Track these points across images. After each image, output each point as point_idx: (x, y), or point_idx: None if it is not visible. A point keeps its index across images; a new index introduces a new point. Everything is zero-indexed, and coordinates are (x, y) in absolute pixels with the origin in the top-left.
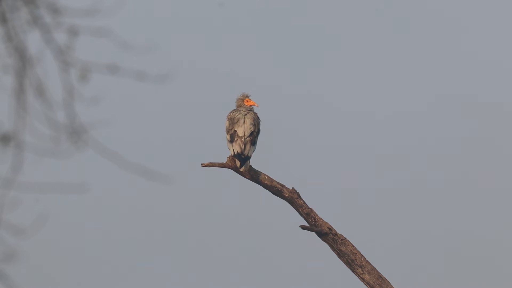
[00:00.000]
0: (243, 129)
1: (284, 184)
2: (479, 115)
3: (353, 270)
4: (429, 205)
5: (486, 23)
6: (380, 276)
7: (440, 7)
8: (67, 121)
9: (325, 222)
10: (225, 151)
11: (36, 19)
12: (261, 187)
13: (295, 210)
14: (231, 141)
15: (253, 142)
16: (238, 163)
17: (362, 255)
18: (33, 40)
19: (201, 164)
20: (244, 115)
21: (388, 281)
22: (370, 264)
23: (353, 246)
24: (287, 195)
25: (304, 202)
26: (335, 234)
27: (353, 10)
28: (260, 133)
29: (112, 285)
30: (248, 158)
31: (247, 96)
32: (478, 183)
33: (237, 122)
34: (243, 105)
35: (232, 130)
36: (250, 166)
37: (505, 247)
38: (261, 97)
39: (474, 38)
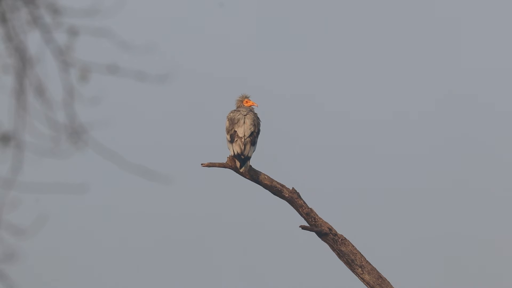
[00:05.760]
0: (243, 130)
1: (284, 184)
2: (477, 117)
3: (353, 270)
4: (429, 206)
5: (483, 25)
6: (380, 276)
7: (437, 8)
8: (67, 121)
9: (325, 222)
10: (225, 151)
11: (36, 19)
12: (261, 187)
13: (295, 210)
14: (231, 141)
15: (253, 143)
16: (238, 164)
17: (362, 255)
18: (33, 40)
19: (201, 164)
20: (244, 115)
21: (388, 281)
22: (370, 264)
23: (353, 246)
24: (287, 195)
25: (304, 202)
26: (335, 234)
27: (352, 10)
28: (260, 133)
29: (112, 285)
30: (248, 158)
31: (247, 97)
32: (477, 185)
33: (237, 122)
34: (243, 105)
35: (232, 131)
36: (250, 166)
37: (505, 250)
38: (261, 98)
39: (471, 40)
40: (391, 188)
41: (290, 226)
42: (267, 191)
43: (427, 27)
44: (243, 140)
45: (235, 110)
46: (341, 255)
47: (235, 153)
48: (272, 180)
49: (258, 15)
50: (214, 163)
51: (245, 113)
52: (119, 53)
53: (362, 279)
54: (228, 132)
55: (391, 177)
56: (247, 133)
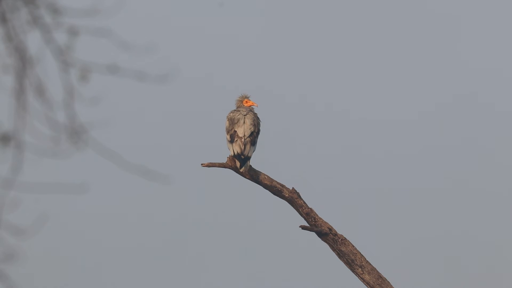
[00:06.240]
0: (243, 130)
1: (284, 184)
2: (477, 117)
3: (353, 270)
4: (429, 206)
5: (483, 25)
6: (380, 276)
7: (437, 7)
8: (67, 121)
9: (325, 222)
10: (225, 151)
11: (36, 19)
12: (261, 187)
13: (295, 210)
14: (231, 141)
15: (253, 143)
16: (238, 164)
17: (362, 255)
18: (33, 40)
19: (201, 164)
20: (244, 115)
21: (388, 281)
22: (370, 264)
23: (353, 246)
24: (287, 195)
25: (304, 202)
26: (335, 234)
27: (352, 11)
28: (260, 133)
29: (112, 285)
30: (248, 158)
31: (247, 97)
32: (477, 185)
33: (237, 122)
34: (243, 105)
35: (232, 131)
36: (250, 166)
37: (505, 250)
38: (261, 98)
39: (470, 40)
40: (391, 188)
41: (290, 226)
42: (267, 191)
43: (427, 27)
44: (243, 140)
45: (235, 110)
46: (341, 255)
47: (235, 153)
48: (272, 180)
49: (259, 15)
50: (214, 163)
51: (245, 113)
52: (119, 53)
53: (362, 279)
54: (228, 132)
55: (391, 177)
56: (247, 133)
